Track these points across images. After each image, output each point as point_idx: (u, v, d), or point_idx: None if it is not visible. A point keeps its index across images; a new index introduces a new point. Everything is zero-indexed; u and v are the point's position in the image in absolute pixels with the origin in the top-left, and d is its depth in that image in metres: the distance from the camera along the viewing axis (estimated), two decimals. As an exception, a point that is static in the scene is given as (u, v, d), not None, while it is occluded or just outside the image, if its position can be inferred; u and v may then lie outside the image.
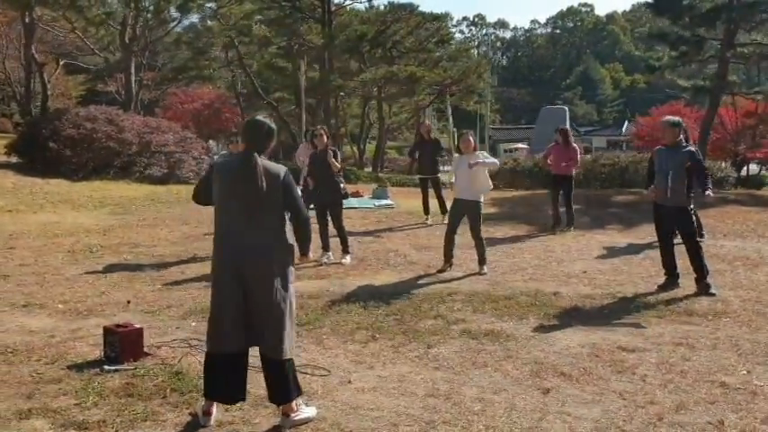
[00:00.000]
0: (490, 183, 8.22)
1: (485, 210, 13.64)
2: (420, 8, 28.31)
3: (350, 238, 9.11)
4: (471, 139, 8.20)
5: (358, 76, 26.85)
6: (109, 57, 26.04)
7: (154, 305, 6.65)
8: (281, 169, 3.93)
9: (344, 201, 13.44)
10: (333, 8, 25.56)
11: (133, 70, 21.36)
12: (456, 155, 8.46)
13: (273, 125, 4.08)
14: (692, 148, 7.09)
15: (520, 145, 52.42)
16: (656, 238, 10.21)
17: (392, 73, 24.81)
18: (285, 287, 3.89)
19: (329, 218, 8.97)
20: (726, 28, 17.31)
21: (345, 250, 8.85)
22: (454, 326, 5.95)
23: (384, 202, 14.62)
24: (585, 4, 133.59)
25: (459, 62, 30.09)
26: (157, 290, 7.31)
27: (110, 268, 8.34)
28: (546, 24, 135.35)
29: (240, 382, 4.00)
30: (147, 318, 6.21)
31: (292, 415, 3.94)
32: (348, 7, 27.93)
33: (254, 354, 4.05)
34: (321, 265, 8.57)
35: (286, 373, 3.91)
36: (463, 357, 5.14)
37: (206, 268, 8.38)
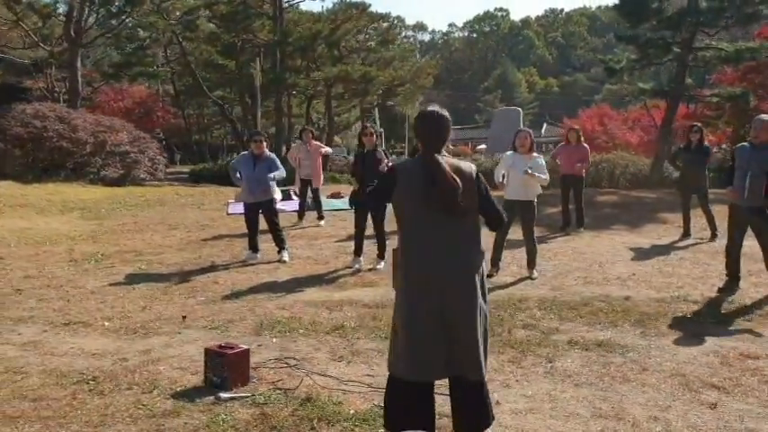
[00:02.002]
0: (544, 181, 7.83)
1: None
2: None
3: (365, 242, 8.61)
4: (528, 137, 7.84)
5: (307, 75, 26.23)
6: (40, 51, 24.39)
7: (213, 320, 6.03)
8: (472, 168, 3.46)
9: (331, 203, 13.03)
10: (284, 5, 24.83)
11: (79, 65, 20.07)
12: (509, 152, 8.01)
13: (448, 115, 3.53)
14: None
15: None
16: (675, 238, 10.32)
17: (346, 72, 24.32)
18: (485, 300, 3.44)
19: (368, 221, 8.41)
20: (687, 32, 17.71)
21: (381, 256, 8.38)
22: (554, 336, 5.61)
23: (372, 203, 14.12)
24: (501, 9, 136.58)
25: (407, 62, 29.84)
26: (203, 302, 6.66)
27: (131, 279, 7.61)
28: (463, 28, 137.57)
29: (431, 412, 3.53)
30: (216, 335, 5.61)
31: (490, 448, 3.50)
32: (298, 5, 27.25)
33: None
34: (358, 271, 8.08)
35: (486, 396, 3.46)
36: (595, 371, 4.81)
37: (235, 276, 7.83)
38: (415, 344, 3.39)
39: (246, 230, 8.86)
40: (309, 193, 12.09)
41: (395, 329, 3.53)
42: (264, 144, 8.76)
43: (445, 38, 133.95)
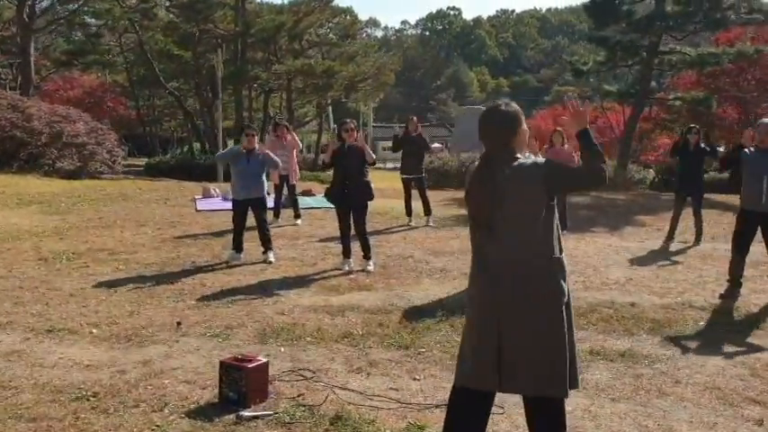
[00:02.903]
0: None
1: (451, 211, 13.29)
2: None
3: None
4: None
5: (266, 68, 25.64)
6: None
7: (210, 327, 5.63)
8: (537, 161, 3.09)
9: (304, 201, 12.66)
10: (247, -5, 24.23)
11: (32, 51, 19.13)
12: None
13: (514, 108, 3.16)
14: None
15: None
16: (660, 242, 10.24)
17: (309, 66, 23.85)
18: (557, 311, 3.05)
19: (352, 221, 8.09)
20: (655, 35, 17.85)
21: (368, 256, 8.07)
22: (572, 345, 5.39)
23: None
24: (454, 8, 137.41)
25: (369, 58, 29.50)
26: (194, 307, 6.25)
27: (111, 281, 7.13)
28: (416, 25, 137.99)
29: (482, 427, 3.24)
30: (218, 343, 5.25)
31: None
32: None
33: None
34: (349, 273, 7.76)
35: (562, 416, 3.13)
36: (628, 384, 4.60)
37: (222, 278, 7.43)
38: (471, 355, 3.14)
39: (232, 228, 8.45)
40: (284, 191, 11.66)
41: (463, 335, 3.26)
42: (256, 138, 8.36)
43: (398, 35, 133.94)
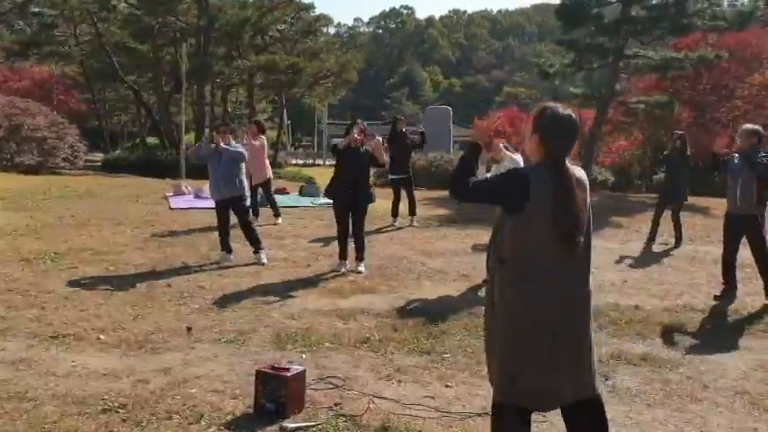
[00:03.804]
0: None
1: (432, 211, 13.23)
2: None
3: (333, 243, 8.21)
4: (501, 145, 7.49)
5: (227, 64, 25.19)
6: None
7: (222, 332, 5.44)
8: (582, 171, 3.06)
9: (280, 199, 12.45)
10: (209, -11, 23.72)
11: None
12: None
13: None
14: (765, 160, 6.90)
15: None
16: (641, 243, 10.37)
17: (273, 62, 23.49)
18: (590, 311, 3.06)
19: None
20: (623, 39, 18.14)
21: (361, 258, 7.96)
22: (591, 349, 5.37)
23: (322, 200, 13.49)
24: (407, 7, 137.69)
25: (332, 55, 29.26)
26: (199, 311, 6.04)
27: (104, 283, 6.85)
28: (369, 23, 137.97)
29: None
30: (235, 349, 5.08)
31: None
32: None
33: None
34: (344, 274, 7.63)
35: (605, 411, 3.08)
36: (659, 390, 4.60)
37: (219, 280, 7.25)
38: (533, 373, 2.95)
39: (217, 228, 8.23)
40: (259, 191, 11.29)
41: (502, 351, 3.04)
42: (228, 135, 8.09)
43: (351, 32, 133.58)
